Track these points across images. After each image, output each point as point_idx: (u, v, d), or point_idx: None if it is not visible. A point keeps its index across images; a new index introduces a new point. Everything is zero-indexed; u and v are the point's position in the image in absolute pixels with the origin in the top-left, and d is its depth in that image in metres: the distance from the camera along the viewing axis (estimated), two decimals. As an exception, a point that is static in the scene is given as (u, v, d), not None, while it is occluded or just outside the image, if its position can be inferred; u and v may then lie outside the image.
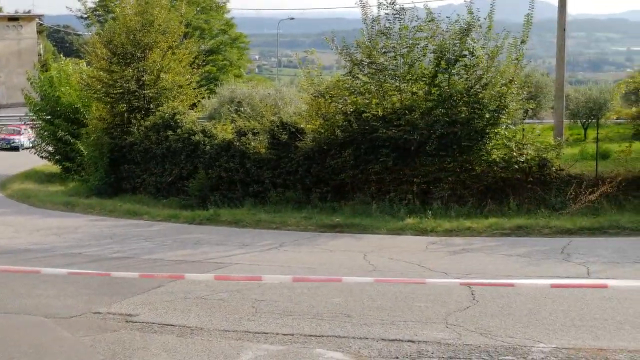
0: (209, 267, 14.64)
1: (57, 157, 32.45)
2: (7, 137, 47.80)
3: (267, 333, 10.21)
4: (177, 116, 25.27)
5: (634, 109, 38.21)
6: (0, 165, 35.22)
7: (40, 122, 32.80)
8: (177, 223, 21.14)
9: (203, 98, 30.59)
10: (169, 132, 24.71)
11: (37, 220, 22.29)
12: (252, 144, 23.08)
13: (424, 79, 21.53)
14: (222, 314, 11.20)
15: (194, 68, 28.12)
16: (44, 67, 40.91)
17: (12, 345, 9.90)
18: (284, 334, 10.14)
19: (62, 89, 31.61)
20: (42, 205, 25.37)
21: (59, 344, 10.01)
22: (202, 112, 29.34)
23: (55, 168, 33.06)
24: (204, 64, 31.00)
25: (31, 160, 33.91)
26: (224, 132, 24.26)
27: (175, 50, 27.64)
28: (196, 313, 11.26)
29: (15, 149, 46.03)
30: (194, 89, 28.35)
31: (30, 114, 34.38)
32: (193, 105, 28.76)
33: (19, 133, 47.96)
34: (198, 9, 46.64)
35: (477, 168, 20.77)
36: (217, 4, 51.52)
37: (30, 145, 39.64)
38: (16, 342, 10.04)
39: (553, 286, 11.37)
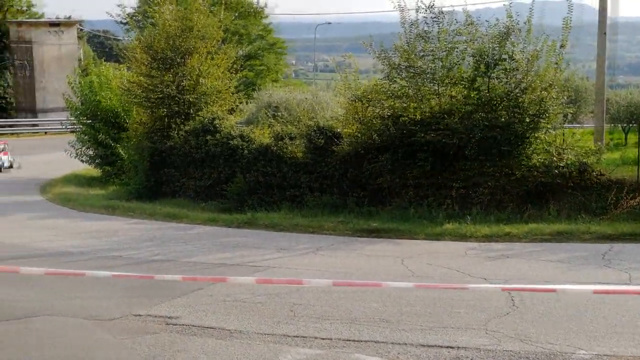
0: (247, 270, 14.73)
1: (97, 161, 32.85)
2: None
3: (305, 337, 10.25)
4: (216, 121, 25.46)
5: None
6: (40, 169, 35.71)
7: (81, 126, 33.25)
8: (215, 226, 21.26)
9: (241, 103, 30.76)
10: (208, 137, 24.89)
11: (77, 224, 22.59)
12: (289, 148, 23.15)
13: (462, 82, 21.41)
14: (261, 317, 11.26)
15: (232, 73, 28.30)
16: (84, 71, 41.35)
17: (54, 347, 10.06)
18: (322, 338, 10.17)
19: (103, 94, 32.02)
20: (82, 209, 25.69)
21: (100, 346, 10.15)
22: (240, 116, 29.47)
23: (96, 172, 33.48)
24: (242, 69, 31.13)
25: (71, 164, 34.37)
26: (262, 136, 24.37)
27: (214, 56, 27.84)
28: (235, 316, 11.34)
29: None
30: (232, 93, 28.50)
31: (71, 118, 34.86)
32: (231, 110, 28.92)
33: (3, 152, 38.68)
34: (236, 14, 46.94)
35: (517, 173, 20.59)
36: (256, 10, 51.79)
37: (9, 165, 37.84)
38: (57, 344, 10.20)
39: (595, 292, 11.23)
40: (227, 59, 28.08)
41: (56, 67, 56.84)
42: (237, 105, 29.91)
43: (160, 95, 26.99)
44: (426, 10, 21.70)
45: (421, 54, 21.66)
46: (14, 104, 61.11)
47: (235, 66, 28.51)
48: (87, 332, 10.82)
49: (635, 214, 18.98)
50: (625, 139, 36.64)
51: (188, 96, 27.06)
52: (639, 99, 37.27)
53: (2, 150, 38.45)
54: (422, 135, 20.63)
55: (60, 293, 13.12)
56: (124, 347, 10.07)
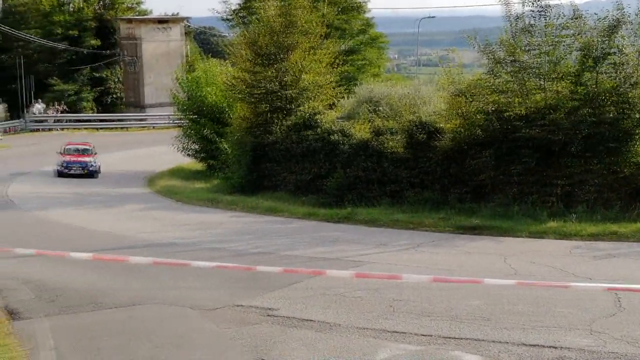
0: (346, 265, 14.79)
1: (202, 155, 33.65)
2: (79, 158, 34.56)
3: (404, 333, 10.22)
4: (317, 116, 25.65)
5: None
6: (147, 163, 36.84)
7: (186, 121, 34.10)
8: (315, 221, 21.45)
9: (342, 98, 30.89)
10: (309, 132, 25.11)
11: (183, 215, 23.22)
12: (390, 143, 23.08)
13: (569, 77, 20.84)
14: (360, 311, 11.29)
15: (333, 68, 28.42)
16: (190, 67, 42.36)
17: (158, 334, 10.38)
18: (422, 335, 10.11)
19: (208, 89, 32.74)
20: (187, 201, 26.39)
21: (203, 335, 10.41)
22: (340, 111, 29.57)
23: (200, 165, 34.29)
24: (343, 63, 31.20)
25: (176, 158, 35.28)
26: (362, 131, 24.39)
27: (315, 51, 28.03)
28: (334, 310, 11.41)
29: (91, 175, 33.75)
30: (333, 88, 28.66)
31: (177, 113, 35.81)
32: (332, 105, 29.07)
33: (90, 153, 35.23)
34: (339, 9, 47.06)
35: (625, 170, 19.91)
36: (358, 4, 51.77)
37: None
38: (162, 332, 10.52)
39: None
40: (328, 54, 28.23)
41: (163, 63, 58.41)
42: (338, 100, 30.02)
43: (263, 91, 27.38)
44: (532, 4, 21.23)
45: (526, 48, 21.22)
46: (123, 99, 63.25)
47: (336, 61, 28.62)
48: (191, 321, 11.11)
49: None
50: None
51: (289, 91, 27.34)
52: None
53: (92, 153, 35.42)
54: (527, 130, 20.20)
55: (165, 282, 13.52)
56: (225, 337, 10.29)
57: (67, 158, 34.27)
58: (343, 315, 11.08)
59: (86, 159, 34.37)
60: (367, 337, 10.08)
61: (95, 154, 35.40)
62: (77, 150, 35.54)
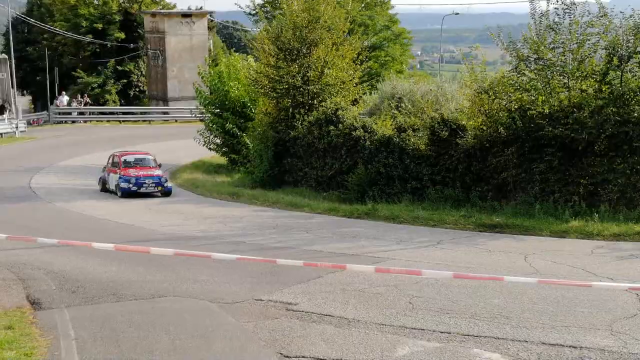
0: (366, 260, 14.79)
1: (224, 149, 33.73)
2: (149, 172, 26.78)
3: (423, 329, 10.22)
4: (339, 112, 25.62)
5: None
6: (169, 156, 36.94)
7: (209, 115, 34.20)
8: (336, 216, 21.46)
9: (364, 94, 30.81)
10: (331, 127, 25.09)
11: (204, 209, 23.33)
12: (412, 140, 23.01)
13: (594, 76, 20.64)
14: (380, 307, 11.30)
15: (356, 64, 28.37)
16: (214, 62, 42.41)
17: (179, 327, 10.45)
18: (441, 332, 10.12)
19: (231, 84, 32.80)
20: (209, 195, 26.49)
21: (223, 328, 10.47)
22: (363, 107, 29.49)
23: (222, 159, 34.38)
24: (367, 60, 31.13)
25: (198, 152, 35.41)
26: (384, 127, 24.32)
27: (339, 47, 27.98)
28: (354, 305, 11.43)
29: (168, 192, 26.54)
30: (356, 84, 28.61)
31: (200, 107, 35.89)
32: (355, 101, 29.01)
33: (156, 165, 27.66)
34: (363, 5, 46.99)
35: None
36: (382, 0, 51.67)
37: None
38: (182, 324, 10.59)
39: None
40: (352, 50, 28.18)
41: (187, 57, 58.60)
42: (361, 96, 29.97)
43: (286, 86, 27.41)
44: (557, 1, 21.06)
45: (551, 45, 21.03)
46: (146, 92, 63.59)
47: (360, 57, 28.57)
48: (211, 314, 11.18)
49: None
50: None
51: (312, 87, 27.35)
52: None
53: (157, 164, 27.93)
54: (550, 129, 20.05)
55: (185, 275, 13.61)
56: (245, 330, 10.34)
57: (134, 172, 26.36)
58: (362, 311, 11.10)
59: (155, 172, 26.88)
60: (386, 334, 10.10)
61: (160, 165, 28.05)
62: (139, 161, 27.53)
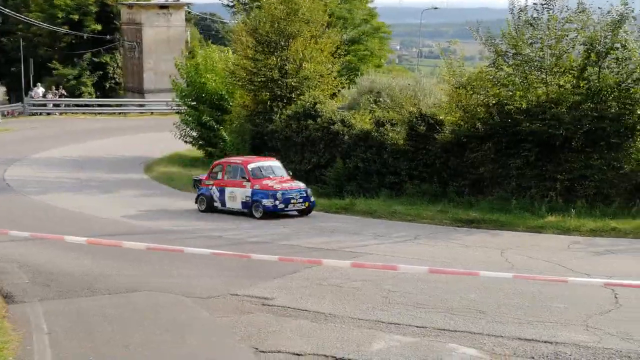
0: (343, 255, 14.73)
1: (200, 142, 33.49)
2: (293, 185, 20.85)
3: (399, 324, 10.18)
4: (318, 105, 25.53)
5: None
6: (145, 149, 36.56)
7: (185, 107, 33.93)
8: (313, 210, 21.37)
9: (343, 88, 30.73)
10: (309, 121, 25.00)
11: (180, 203, 23.12)
12: (390, 134, 22.98)
13: (572, 71, 20.74)
14: (356, 302, 11.25)
15: (335, 58, 28.28)
16: (191, 54, 42.09)
17: (153, 322, 10.34)
18: (417, 326, 10.08)
19: (208, 76, 32.56)
20: (185, 188, 26.23)
21: (198, 323, 10.36)
22: (341, 101, 29.42)
23: (199, 153, 34.15)
24: (346, 53, 31.04)
25: (174, 145, 35.11)
26: (362, 122, 24.29)
27: (317, 40, 27.88)
28: (330, 300, 11.37)
29: (311, 209, 20.93)
30: (335, 78, 28.53)
31: (177, 100, 35.60)
32: (333, 95, 28.94)
33: (290, 176, 21.76)
34: (341, -3, 46.85)
35: (625, 166, 19.84)
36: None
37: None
38: (157, 319, 10.48)
39: None
40: (330, 43, 28.08)
41: (164, 49, 58.08)
42: (339, 90, 29.89)
43: (264, 79, 27.27)
44: (536, -4, 21.12)
45: (529, 41, 21.09)
46: (123, 84, 63.05)
47: (338, 51, 28.48)
48: (185, 309, 11.07)
49: None
50: None
51: (290, 80, 27.23)
52: None
53: (289, 176, 21.70)
54: (528, 124, 20.10)
55: (160, 269, 13.48)
56: (220, 325, 10.25)
57: (278, 185, 20.51)
58: (339, 306, 11.04)
59: (299, 184, 21.11)
60: (362, 328, 10.05)
61: (290, 173, 22.05)
62: (272, 171, 21.48)
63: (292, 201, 20.33)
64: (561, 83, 20.69)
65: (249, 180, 20.54)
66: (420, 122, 22.34)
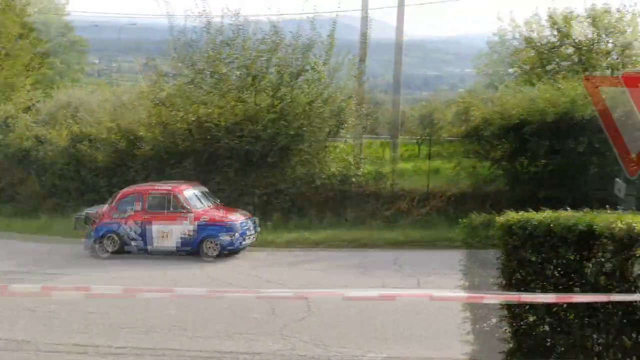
0: (38, 279, 14.06)
1: None
2: (235, 214, 18.04)
3: (98, 346, 9.95)
4: (9, 120, 24.12)
5: (463, 128, 39.88)
6: None
7: None
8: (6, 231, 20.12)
9: (38, 102, 29.31)
10: (0, 136, 23.52)
11: None
12: (89, 151, 22.32)
13: (266, 91, 21.65)
14: (52, 326, 10.81)
15: (28, 70, 26.95)
16: None
17: None
18: (117, 347, 9.91)
19: None
20: None
21: None
22: (36, 116, 28.03)
23: None
24: (40, 66, 29.67)
25: None
26: (59, 138, 23.32)
27: (9, 51, 26.38)
28: (23, 326, 10.81)
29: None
30: (28, 91, 27.13)
31: None
32: (27, 109, 27.48)
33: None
34: (35, 10, 44.70)
35: (317, 181, 21.09)
36: (56, 6, 49.54)
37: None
38: None
39: (381, 297, 11.71)
40: (22, 55, 26.69)
41: None
42: (34, 104, 28.45)
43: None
44: (232, 17, 21.82)
45: (226, 60, 21.71)
46: None
47: (32, 63, 27.17)
48: None
49: (425, 222, 20.04)
50: (419, 150, 38.45)
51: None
52: (431, 113, 39.23)
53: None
54: (227, 141, 20.68)
55: None
56: None
57: (227, 217, 17.53)
58: (33, 331, 10.52)
59: (238, 212, 18.30)
60: (59, 353, 9.68)
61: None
62: (206, 197, 18.54)
63: (248, 233, 17.40)
64: (258, 102, 21.46)
65: (189, 212, 17.27)
66: (120, 138, 21.97)
